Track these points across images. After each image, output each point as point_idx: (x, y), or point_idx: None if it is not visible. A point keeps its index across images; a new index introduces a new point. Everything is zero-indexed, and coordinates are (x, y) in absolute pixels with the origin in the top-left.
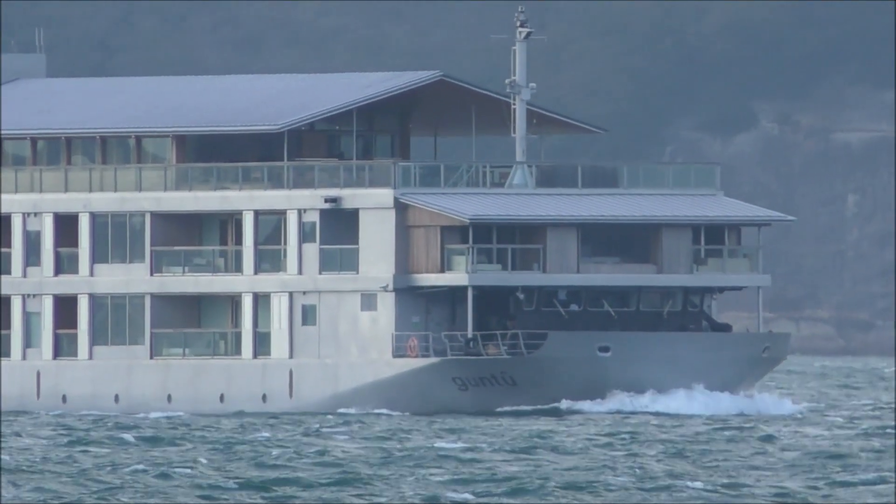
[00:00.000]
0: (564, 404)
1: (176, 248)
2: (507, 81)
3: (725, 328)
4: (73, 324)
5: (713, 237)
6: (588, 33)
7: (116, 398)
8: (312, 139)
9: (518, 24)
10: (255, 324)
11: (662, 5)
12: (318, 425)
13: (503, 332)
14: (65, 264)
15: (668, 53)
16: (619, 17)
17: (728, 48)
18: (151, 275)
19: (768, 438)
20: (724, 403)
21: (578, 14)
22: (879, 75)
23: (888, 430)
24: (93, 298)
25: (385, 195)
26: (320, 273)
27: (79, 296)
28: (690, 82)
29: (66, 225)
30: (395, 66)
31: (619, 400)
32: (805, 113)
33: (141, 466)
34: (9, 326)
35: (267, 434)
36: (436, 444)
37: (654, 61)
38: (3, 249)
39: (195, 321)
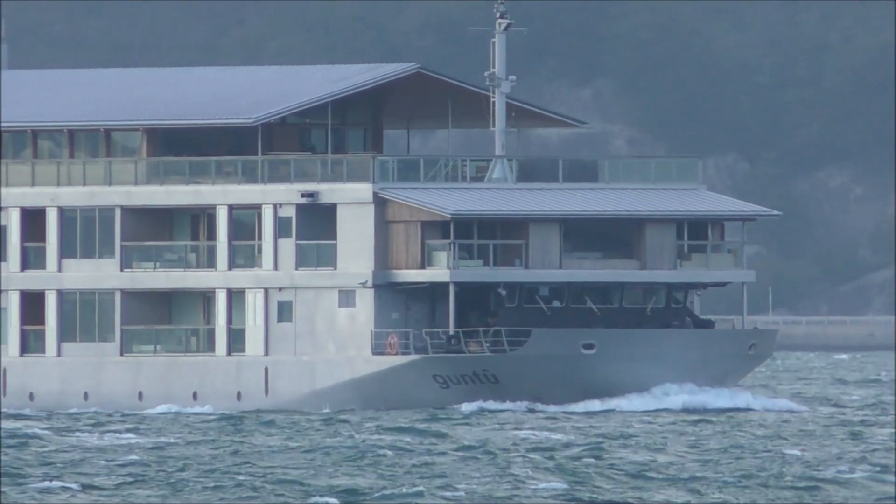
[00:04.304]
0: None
1: (147, 243)
2: (486, 74)
3: (708, 325)
4: (40, 320)
5: (696, 232)
6: (288, 29)
7: (86, 396)
8: (284, 133)
9: (498, 15)
10: (230, 320)
11: (361, 3)
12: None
13: (485, 329)
14: (31, 260)
15: (367, 51)
16: (319, 14)
17: (426, 45)
18: (121, 270)
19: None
20: (679, 399)
21: (282, 10)
22: (577, 72)
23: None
24: (61, 294)
25: (364, 189)
26: (297, 269)
27: (46, 291)
28: None
29: (32, 219)
30: (95, 63)
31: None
32: None
33: None
34: None
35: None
36: None
37: (352, 57)
38: None
39: (166, 318)
